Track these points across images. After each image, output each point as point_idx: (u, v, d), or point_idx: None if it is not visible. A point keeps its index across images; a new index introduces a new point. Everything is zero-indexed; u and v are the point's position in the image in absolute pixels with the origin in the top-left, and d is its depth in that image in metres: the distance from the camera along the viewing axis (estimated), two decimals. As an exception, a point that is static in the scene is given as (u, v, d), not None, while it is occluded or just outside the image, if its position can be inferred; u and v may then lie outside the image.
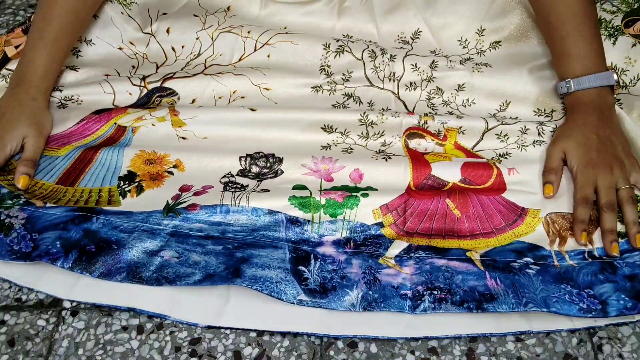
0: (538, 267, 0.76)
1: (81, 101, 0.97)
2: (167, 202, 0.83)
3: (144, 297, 0.75)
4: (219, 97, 0.99)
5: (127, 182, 0.85)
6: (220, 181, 0.86)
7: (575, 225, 0.80)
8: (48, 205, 0.82)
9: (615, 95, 0.92)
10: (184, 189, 0.85)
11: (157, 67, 1.03)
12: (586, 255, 0.78)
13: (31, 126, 0.87)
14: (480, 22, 1.04)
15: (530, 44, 1.02)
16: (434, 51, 1.04)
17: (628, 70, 0.96)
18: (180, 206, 0.82)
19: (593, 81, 0.87)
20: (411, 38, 1.06)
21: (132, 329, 0.75)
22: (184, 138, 0.93)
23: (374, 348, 0.73)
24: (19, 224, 0.79)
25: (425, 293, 0.74)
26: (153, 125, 0.93)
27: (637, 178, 0.83)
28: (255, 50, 1.03)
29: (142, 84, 0.99)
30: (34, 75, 0.90)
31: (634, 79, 0.95)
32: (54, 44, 0.92)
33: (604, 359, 0.72)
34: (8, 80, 0.96)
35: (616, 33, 0.98)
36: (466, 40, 1.04)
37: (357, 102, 0.99)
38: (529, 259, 0.77)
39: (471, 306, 0.72)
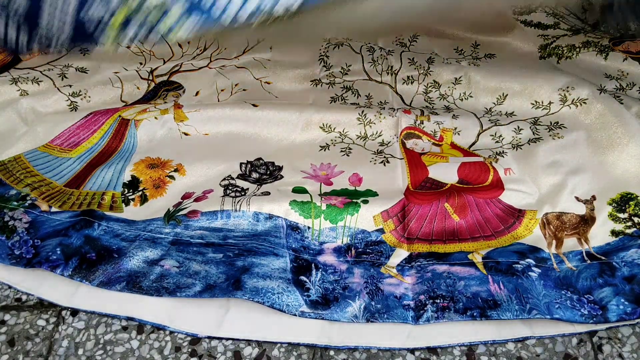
0: (539, 270, 0.76)
1: (89, 97, 0.99)
2: (169, 209, 0.83)
3: (144, 307, 0.75)
4: (222, 90, 1.01)
5: (131, 191, 0.86)
6: (220, 184, 0.87)
7: None
8: (53, 209, 0.82)
9: (615, 94, 0.95)
10: (186, 196, 0.85)
11: (164, 62, 1.06)
12: (584, 255, 0.78)
13: None
14: (475, 39, 1.07)
15: (526, 58, 1.04)
16: (431, 54, 1.06)
17: (621, 79, 1.00)
18: (181, 213, 0.82)
19: None
20: (409, 40, 1.09)
21: (132, 329, 0.74)
22: (185, 134, 0.94)
23: (374, 348, 0.72)
24: (22, 227, 0.80)
25: (427, 302, 0.73)
26: (155, 118, 0.94)
27: None
28: (258, 42, 1.08)
29: (150, 77, 1.02)
30: None
31: (630, 84, 0.99)
32: None
33: (604, 359, 0.71)
34: (18, 83, 0.99)
35: (606, 49, 1.02)
36: (462, 49, 1.07)
37: (355, 95, 1.01)
38: (531, 261, 0.77)
39: (475, 314, 0.71)
